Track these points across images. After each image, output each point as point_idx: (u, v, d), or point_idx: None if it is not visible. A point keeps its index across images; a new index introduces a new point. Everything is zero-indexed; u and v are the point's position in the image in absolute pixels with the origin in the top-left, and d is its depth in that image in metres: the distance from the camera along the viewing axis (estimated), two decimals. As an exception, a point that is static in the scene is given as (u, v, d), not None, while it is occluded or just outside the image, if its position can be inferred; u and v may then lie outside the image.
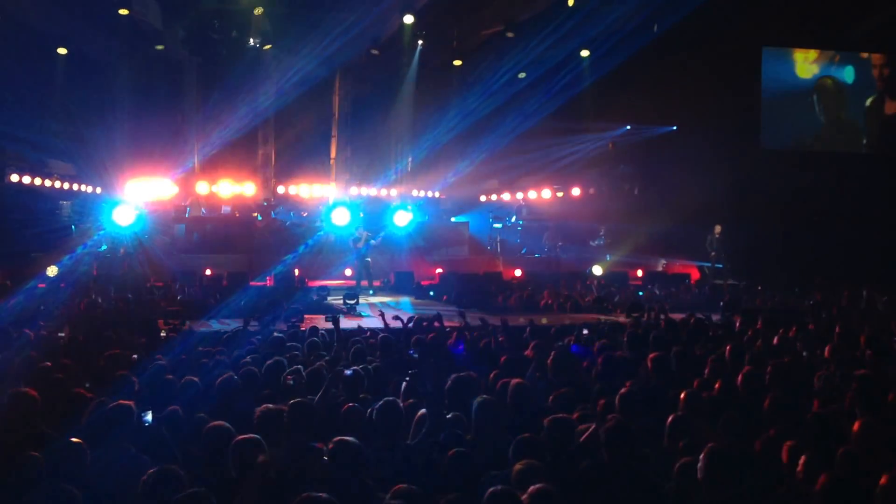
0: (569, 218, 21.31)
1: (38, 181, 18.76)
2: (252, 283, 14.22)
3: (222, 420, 4.59)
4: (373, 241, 15.53)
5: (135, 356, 7.00)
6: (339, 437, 4.10)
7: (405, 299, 14.47)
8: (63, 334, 8.19)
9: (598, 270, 17.48)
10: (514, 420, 4.94)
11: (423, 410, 4.91)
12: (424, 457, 4.40)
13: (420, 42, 19.66)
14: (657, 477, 4.21)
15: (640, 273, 18.14)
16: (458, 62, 20.45)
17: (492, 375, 6.12)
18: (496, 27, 18.89)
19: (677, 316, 9.43)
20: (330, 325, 8.06)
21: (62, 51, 17.95)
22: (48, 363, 6.22)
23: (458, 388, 5.18)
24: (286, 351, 7.18)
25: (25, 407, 4.73)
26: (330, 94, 20.79)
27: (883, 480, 3.69)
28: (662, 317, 9.17)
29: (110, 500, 4.01)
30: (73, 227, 17.83)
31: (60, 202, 19.26)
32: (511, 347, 7.51)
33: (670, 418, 4.74)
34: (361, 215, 17.57)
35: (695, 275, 18.63)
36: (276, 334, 7.89)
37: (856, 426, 4.60)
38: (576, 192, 22.24)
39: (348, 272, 16.44)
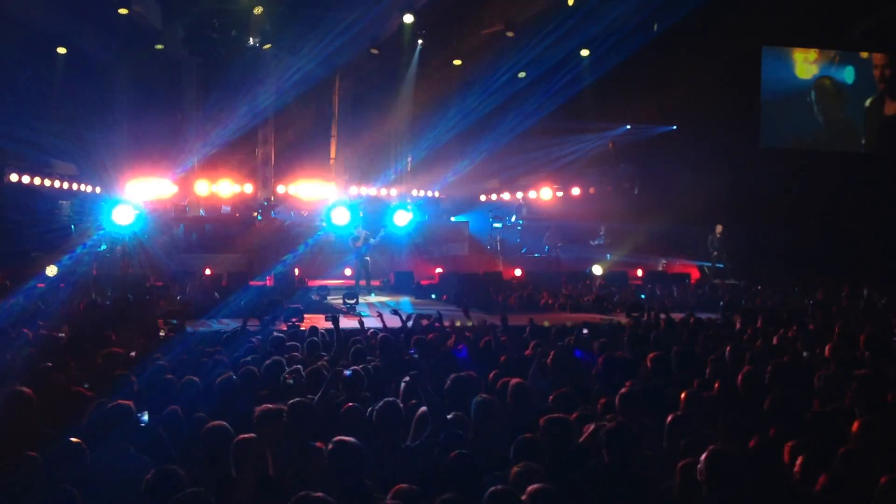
0: (569, 218, 21.32)
1: (37, 181, 18.75)
2: (252, 282, 14.22)
3: (222, 420, 4.59)
4: (372, 241, 15.53)
5: (133, 353, 6.99)
6: (338, 437, 4.10)
7: (405, 299, 14.47)
8: (63, 334, 8.17)
9: (598, 270, 17.48)
10: (514, 420, 4.94)
11: (423, 408, 4.91)
12: (424, 457, 4.40)
13: (420, 41, 19.65)
14: (657, 477, 4.21)
15: (640, 273, 18.14)
16: (457, 62, 20.44)
17: (492, 375, 6.12)
18: (496, 26, 18.87)
19: (677, 316, 9.42)
20: (330, 325, 8.05)
21: (62, 50, 17.93)
22: (48, 363, 6.22)
23: (458, 388, 5.19)
24: (286, 351, 7.18)
25: (21, 406, 4.72)
26: (330, 93, 20.79)
27: (883, 480, 3.70)
28: (662, 316, 9.16)
29: (110, 500, 4.00)
30: (72, 226, 17.82)
31: (60, 202, 19.27)
32: (511, 346, 7.51)
33: (670, 418, 4.74)
34: (361, 215, 17.57)
35: (695, 275, 18.63)
36: (275, 334, 7.88)
37: (856, 426, 4.60)
38: (576, 191, 22.25)
39: (348, 272, 16.45)
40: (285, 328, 8.59)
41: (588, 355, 7.02)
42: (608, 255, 19.64)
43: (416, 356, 6.27)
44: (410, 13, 17.97)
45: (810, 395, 5.76)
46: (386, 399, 4.91)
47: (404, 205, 18.69)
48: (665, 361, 6.42)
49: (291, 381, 5.70)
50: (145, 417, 4.65)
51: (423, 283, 16.26)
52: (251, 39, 18.20)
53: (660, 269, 19.39)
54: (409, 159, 22.43)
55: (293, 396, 5.12)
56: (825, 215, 18.55)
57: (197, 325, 9.99)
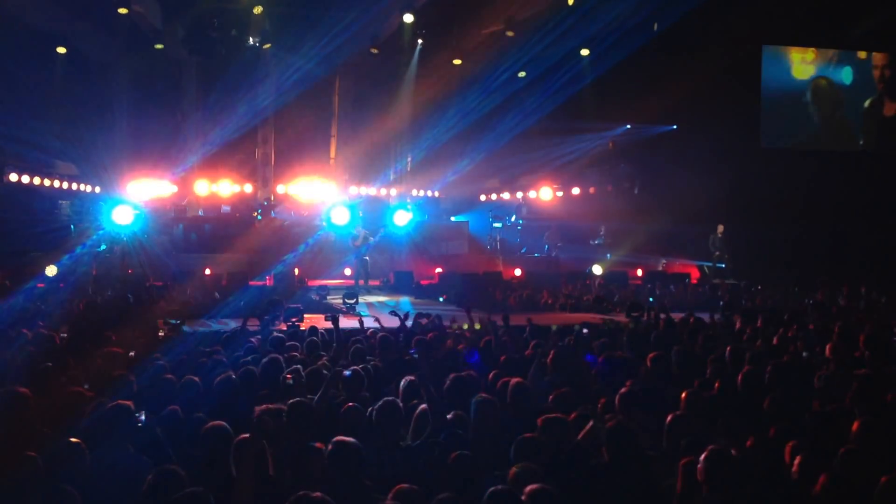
0: (569, 217, 21.32)
1: (37, 181, 18.76)
2: (252, 282, 14.22)
3: (221, 420, 4.58)
4: (372, 240, 15.53)
5: (132, 353, 6.99)
6: (338, 438, 4.10)
7: (405, 299, 14.47)
8: (63, 334, 8.17)
9: (598, 270, 17.47)
10: (513, 420, 4.94)
11: (423, 406, 4.90)
12: (424, 457, 4.39)
13: (420, 41, 19.64)
14: (657, 477, 4.21)
15: (640, 273, 18.15)
16: (457, 61, 20.43)
17: (491, 375, 6.11)
18: (496, 26, 18.86)
19: (677, 316, 9.42)
20: (329, 325, 8.05)
21: (62, 50, 17.92)
22: (48, 363, 6.21)
23: (458, 388, 5.18)
24: (286, 351, 7.17)
25: (18, 406, 4.72)
26: (329, 93, 20.79)
27: (883, 480, 3.69)
28: (663, 316, 9.16)
29: (109, 500, 4.00)
30: (72, 226, 17.81)
31: (60, 202, 19.27)
32: (511, 346, 7.51)
33: (670, 418, 4.73)
34: (361, 215, 17.57)
35: (695, 274, 18.64)
36: (275, 334, 7.88)
37: (856, 426, 4.60)
38: (576, 191, 22.25)
39: (348, 271, 16.45)
40: (285, 328, 8.59)
41: (594, 358, 7.00)
42: (608, 255, 19.65)
43: (415, 356, 6.27)
44: (410, 13, 17.96)
45: (810, 395, 5.76)
46: (385, 398, 4.91)
47: (404, 204, 18.71)
48: (665, 361, 6.42)
49: (291, 381, 5.69)
50: (143, 417, 4.64)
51: (423, 282, 16.26)
52: (251, 39, 18.20)
53: (660, 268, 19.40)
54: (409, 159, 22.43)
55: (293, 396, 5.11)
56: (826, 215, 18.53)
57: (196, 325, 9.99)
